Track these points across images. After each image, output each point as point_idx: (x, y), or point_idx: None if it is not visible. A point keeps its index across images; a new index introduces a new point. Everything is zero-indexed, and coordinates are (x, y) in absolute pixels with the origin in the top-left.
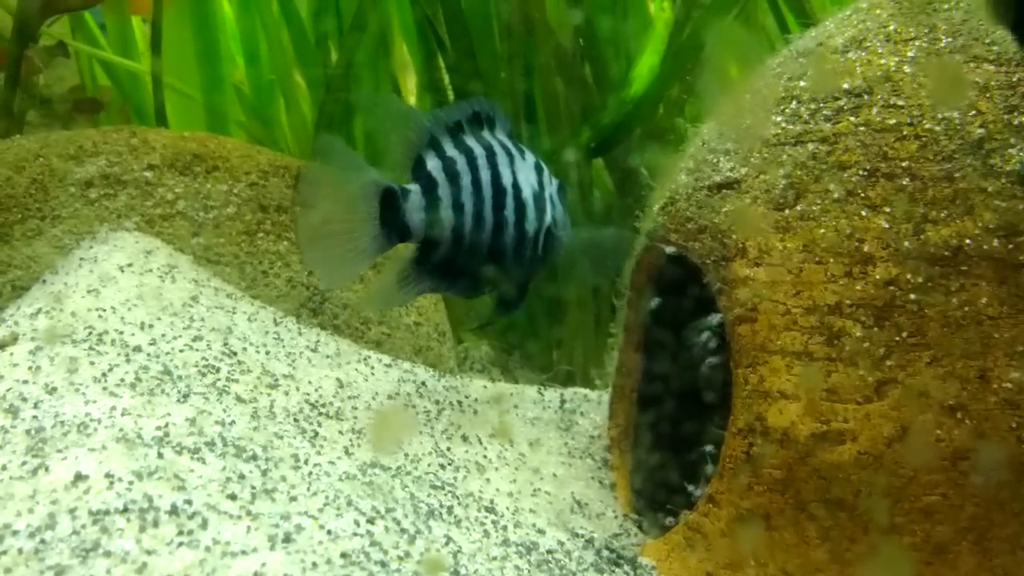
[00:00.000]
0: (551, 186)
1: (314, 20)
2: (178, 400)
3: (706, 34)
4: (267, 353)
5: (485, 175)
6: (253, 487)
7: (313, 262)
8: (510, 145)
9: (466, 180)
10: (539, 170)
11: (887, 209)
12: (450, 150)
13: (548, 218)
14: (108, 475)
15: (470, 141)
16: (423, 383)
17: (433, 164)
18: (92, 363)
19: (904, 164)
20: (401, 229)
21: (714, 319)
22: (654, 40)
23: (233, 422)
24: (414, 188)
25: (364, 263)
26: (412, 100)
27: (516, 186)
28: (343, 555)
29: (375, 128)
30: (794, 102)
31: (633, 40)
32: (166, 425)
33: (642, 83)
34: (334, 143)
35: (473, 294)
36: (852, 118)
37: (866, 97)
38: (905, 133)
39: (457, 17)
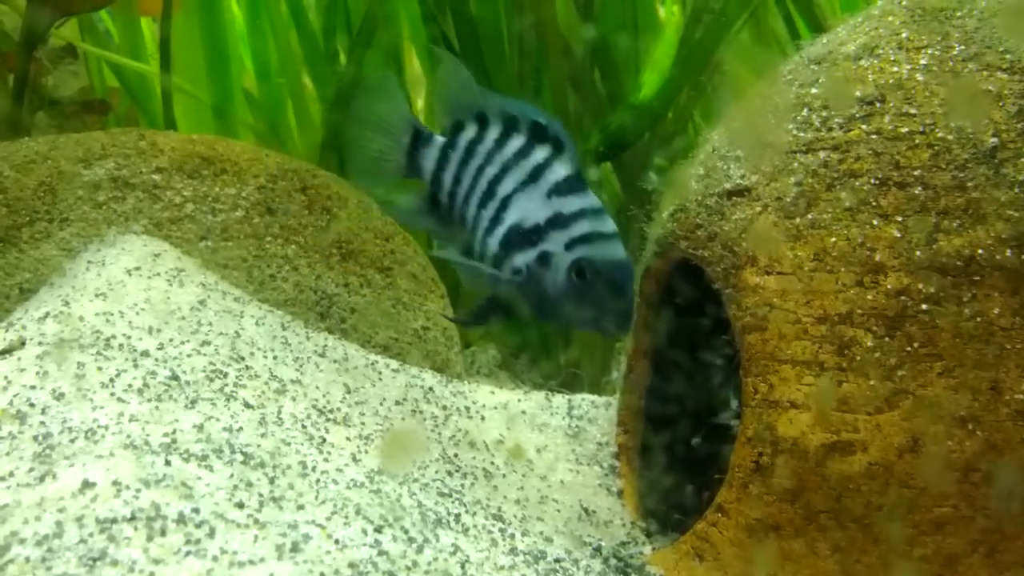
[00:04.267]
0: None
1: (324, 36)
2: (186, 406)
3: (716, 39)
4: (275, 358)
5: (491, 171)
6: (261, 495)
7: (352, 162)
8: (556, 174)
9: (474, 164)
10: (552, 224)
11: (899, 218)
12: (491, 132)
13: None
14: (115, 483)
15: (513, 138)
16: (430, 388)
17: (466, 135)
18: (100, 368)
19: (916, 173)
20: (417, 168)
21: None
22: (664, 44)
23: (241, 428)
24: (438, 140)
25: (387, 180)
26: (422, 117)
27: (503, 203)
28: (351, 565)
29: (438, 83)
30: (805, 109)
31: (644, 46)
32: (174, 432)
33: (652, 87)
34: (389, 80)
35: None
36: (864, 126)
37: (878, 105)
38: (917, 142)
39: (470, 33)
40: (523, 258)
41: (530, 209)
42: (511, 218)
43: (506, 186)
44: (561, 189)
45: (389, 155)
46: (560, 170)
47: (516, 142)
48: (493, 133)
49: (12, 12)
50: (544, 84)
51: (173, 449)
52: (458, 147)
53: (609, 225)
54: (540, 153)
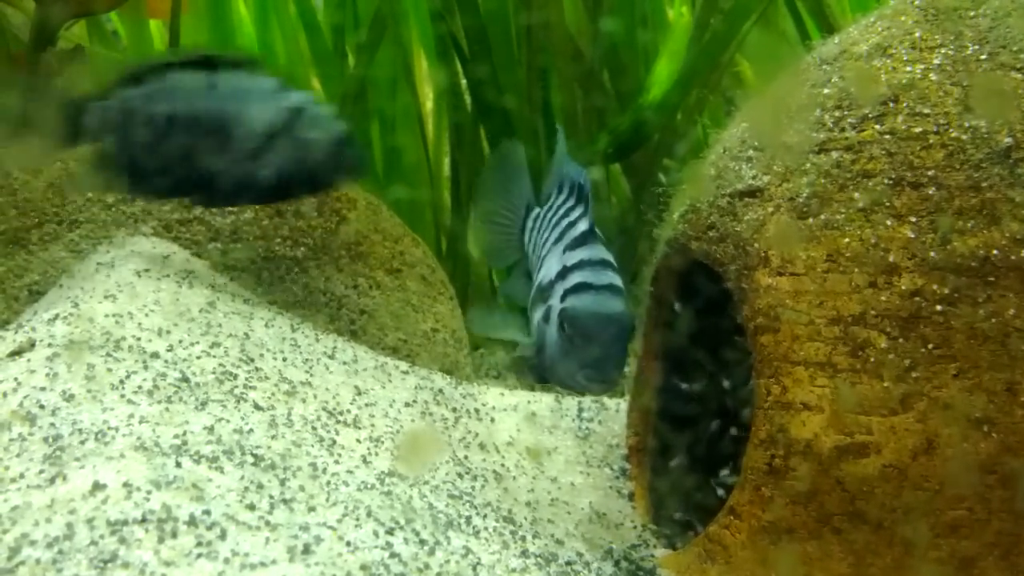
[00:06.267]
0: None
1: (333, 35)
2: (196, 408)
3: (731, 32)
4: (284, 360)
5: (546, 235)
6: (271, 497)
7: (483, 242)
8: (577, 230)
9: (540, 229)
10: (559, 278)
11: (913, 219)
12: (555, 199)
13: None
14: (126, 484)
15: (561, 201)
16: (440, 390)
17: (545, 207)
18: (110, 370)
19: (930, 173)
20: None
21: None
22: (672, 45)
23: (251, 430)
24: (533, 213)
25: (514, 257)
26: (430, 120)
27: (541, 263)
28: (362, 567)
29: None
30: (818, 110)
31: (653, 46)
32: (184, 433)
33: (660, 88)
34: (515, 150)
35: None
36: (877, 126)
37: (891, 105)
38: (931, 141)
39: (479, 31)
40: (537, 315)
41: (551, 266)
42: (538, 277)
43: (546, 247)
44: (574, 244)
45: (514, 235)
46: (582, 226)
47: (563, 205)
48: (556, 200)
49: (20, 13)
50: (552, 83)
51: (184, 451)
52: (539, 216)
53: (605, 277)
54: (575, 213)
